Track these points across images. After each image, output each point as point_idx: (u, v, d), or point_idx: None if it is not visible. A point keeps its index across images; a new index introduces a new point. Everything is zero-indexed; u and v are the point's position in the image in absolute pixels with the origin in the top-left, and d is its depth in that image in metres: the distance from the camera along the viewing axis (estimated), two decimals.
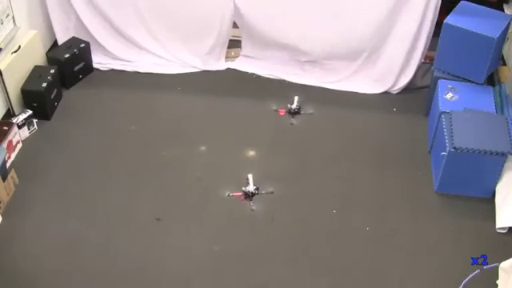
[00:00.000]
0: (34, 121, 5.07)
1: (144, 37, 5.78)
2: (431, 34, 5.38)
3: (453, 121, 4.56)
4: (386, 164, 4.88)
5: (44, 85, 5.08)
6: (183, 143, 5.00)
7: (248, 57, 5.93)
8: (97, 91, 5.55)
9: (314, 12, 5.41)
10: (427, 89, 5.44)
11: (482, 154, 4.37)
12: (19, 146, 4.90)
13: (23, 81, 5.14)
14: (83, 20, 5.64)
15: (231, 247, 4.19)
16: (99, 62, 5.82)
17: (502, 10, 5.86)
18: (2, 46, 4.88)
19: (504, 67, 5.44)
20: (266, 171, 4.75)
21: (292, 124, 5.23)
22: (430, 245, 4.25)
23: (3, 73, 4.88)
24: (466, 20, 4.91)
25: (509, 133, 4.47)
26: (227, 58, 5.92)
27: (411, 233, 4.34)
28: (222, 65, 5.87)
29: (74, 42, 5.62)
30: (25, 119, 4.97)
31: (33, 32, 5.34)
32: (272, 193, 4.53)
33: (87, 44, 5.63)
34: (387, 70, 5.55)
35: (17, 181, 4.58)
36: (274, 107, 5.27)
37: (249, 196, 4.48)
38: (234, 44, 5.90)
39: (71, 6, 5.56)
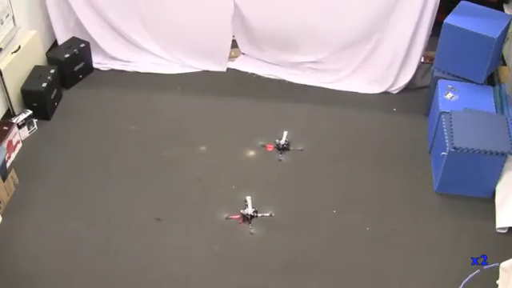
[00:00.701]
0: (34, 121, 5.07)
1: (144, 37, 5.78)
2: (430, 34, 5.38)
3: (453, 121, 4.56)
4: (386, 164, 4.88)
5: (44, 85, 5.08)
6: (183, 143, 5.00)
7: (248, 56, 5.93)
8: (97, 91, 5.55)
9: (314, 12, 5.41)
10: (427, 89, 5.44)
11: (482, 153, 4.37)
12: (19, 146, 4.90)
13: (23, 81, 5.14)
14: (82, 20, 5.64)
15: (231, 247, 4.19)
16: (99, 61, 5.82)
17: (502, 10, 5.86)
18: (2, 46, 4.88)
19: (504, 67, 5.44)
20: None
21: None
22: (430, 245, 4.25)
23: (3, 73, 4.88)
24: (466, 20, 4.91)
25: (509, 133, 4.47)
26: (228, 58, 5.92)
27: (411, 233, 4.34)
28: (222, 65, 5.87)
29: (73, 42, 5.62)
30: (25, 119, 4.97)
31: (33, 32, 5.34)
32: (271, 215, 4.43)
33: (87, 44, 5.63)
34: (387, 70, 5.55)
35: (17, 181, 4.58)
36: (262, 143, 5.05)
37: (247, 219, 4.38)
38: (234, 44, 5.90)
39: (70, 6, 5.56)
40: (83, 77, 5.67)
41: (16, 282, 3.92)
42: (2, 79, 4.91)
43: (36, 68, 5.27)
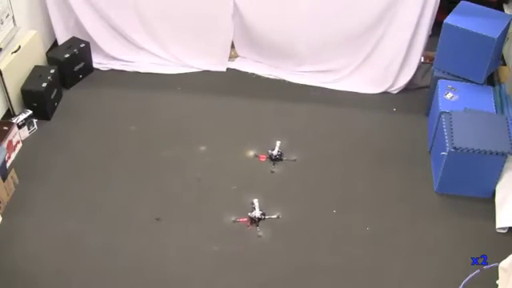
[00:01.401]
0: (34, 121, 5.07)
1: (144, 37, 5.78)
2: (430, 34, 5.38)
3: (453, 121, 4.56)
4: (386, 164, 4.88)
5: (44, 85, 5.08)
6: (183, 143, 5.00)
7: (245, 57, 5.93)
8: (97, 91, 5.55)
9: (314, 12, 5.41)
10: (427, 89, 5.44)
11: (482, 154, 4.37)
12: (19, 146, 4.89)
13: (23, 81, 5.13)
14: (82, 20, 5.64)
15: (231, 247, 4.19)
16: (99, 61, 5.82)
17: (502, 10, 5.86)
18: (2, 46, 4.88)
19: (504, 67, 5.44)
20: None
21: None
22: (429, 245, 4.25)
23: (3, 73, 4.88)
24: (466, 20, 4.91)
25: (509, 133, 4.47)
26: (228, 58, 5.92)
27: (411, 233, 4.34)
28: (222, 65, 5.87)
29: (73, 42, 5.61)
30: (25, 119, 4.97)
31: (33, 32, 5.33)
32: (278, 217, 4.42)
33: (87, 44, 5.63)
34: (387, 70, 5.55)
35: (17, 181, 4.58)
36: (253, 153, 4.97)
37: (255, 221, 4.37)
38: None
39: (70, 6, 5.55)
40: (83, 77, 5.67)
41: (16, 281, 3.92)
42: (2, 79, 4.91)
43: (36, 68, 5.26)
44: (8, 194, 4.44)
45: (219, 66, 5.86)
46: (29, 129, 5.03)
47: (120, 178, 4.68)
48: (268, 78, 5.78)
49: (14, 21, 5.06)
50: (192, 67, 5.84)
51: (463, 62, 5.00)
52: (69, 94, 5.49)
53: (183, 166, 4.80)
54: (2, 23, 4.88)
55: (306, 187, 4.66)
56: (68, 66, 5.46)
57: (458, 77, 5.08)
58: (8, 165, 4.64)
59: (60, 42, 5.73)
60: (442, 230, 4.37)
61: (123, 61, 5.85)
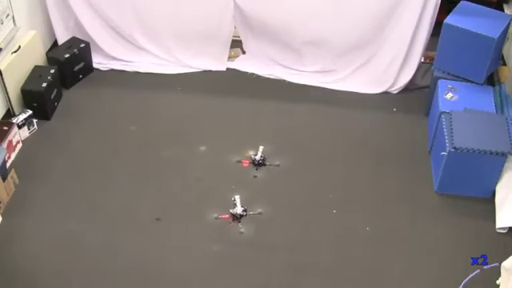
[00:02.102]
0: (34, 121, 5.07)
1: (143, 37, 5.78)
2: (430, 34, 5.37)
3: (453, 121, 4.56)
4: (386, 164, 4.88)
5: (44, 85, 5.08)
6: (183, 143, 5.00)
7: (248, 56, 5.93)
8: (97, 91, 5.55)
9: (316, 13, 5.41)
10: (427, 89, 5.44)
11: (482, 154, 4.37)
12: (19, 146, 4.90)
13: (23, 81, 5.14)
14: (82, 21, 5.64)
15: (231, 247, 4.19)
16: (99, 62, 5.82)
17: (502, 10, 5.86)
18: (2, 46, 4.88)
19: (504, 67, 5.43)
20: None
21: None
22: (429, 245, 4.25)
23: (3, 73, 4.88)
24: (466, 20, 4.91)
25: (509, 133, 4.47)
26: (227, 58, 5.92)
27: (411, 233, 4.34)
28: (222, 65, 5.87)
29: (73, 42, 5.61)
30: (25, 119, 4.97)
31: (33, 32, 5.34)
32: (260, 213, 4.43)
33: (87, 44, 5.63)
34: (387, 70, 5.55)
35: (17, 181, 4.58)
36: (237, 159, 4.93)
37: (237, 218, 4.37)
38: (234, 44, 5.90)
39: (70, 6, 5.55)
40: (83, 77, 5.67)
41: (16, 282, 3.92)
42: (2, 79, 4.91)
43: (36, 68, 5.27)
44: (8, 194, 4.44)
45: (219, 65, 5.86)
46: (29, 129, 5.03)
47: (120, 177, 4.68)
48: (268, 78, 5.78)
49: (14, 21, 5.06)
50: (192, 67, 5.85)
51: (463, 62, 4.99)
52: (69, 94, 5.49)
53: (183, 165, 4.80)
54: (2, 23, 4.88)
55: (306, 187, 4.66)
56: (68, 65, 5.46)
57: (458, 77, 5.08)
58: (8, 165, 4.64)
59: (60, 42, 5.73)
60: (441, 230, 4.36)
61: (123, 61, 5.85)
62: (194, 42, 5.77)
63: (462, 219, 4.45)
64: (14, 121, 4.89)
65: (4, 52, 4.96)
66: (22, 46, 5.12)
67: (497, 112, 4.83)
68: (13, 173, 4.54)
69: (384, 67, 5.55)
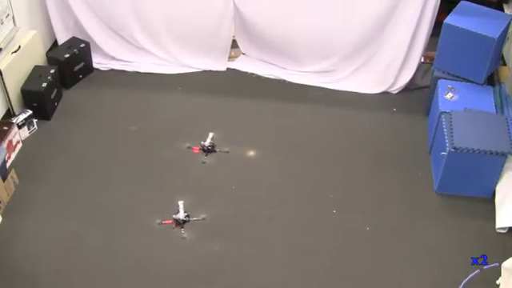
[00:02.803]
0: (34, 121, 5.07)
1: (143, 37, 5.77)
2: (430, 33, 5.38)
3: (453, 121, 4.56)
4: (386, 164, 4.88)
5: (44, 85, 5.08)
6: (183, 143, 5.00)
7: (248, 56, 5.93)
8: (97, 91, 5.55)
9: (314, 11, 5.41)
10: (427, 89, 5.44)
11: (482, 154, 4.37)
12: (19, 146, 4.90)
13: (23, 81, 5.14)
14: (81, 21, 5.64)
15: (231, 247, 4.19)
16: (99, 61, 5.82)
17: (502, 10, 5.86)
18: (2, 46, 4.88)
19: (504, 67, 5.43)
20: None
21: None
22: (429, 245, 4.25)
23: (3, 73, 4.88)
24: (466, 20, 4.91)
25: (509, 133, 4.47)
26: (227, 58, 5.92)
27: (411, 233, 4.34)
28: (222, 65, 5.87)
29: (73, 42, 5.61)
30: (25, 119, 4.97)
31: (33, 32, 5.34)
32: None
33: (87, 44, 5.63)
34: (387, 70, 5.55)
35: (17, 181, 4.58)
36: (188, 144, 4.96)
37: (180, 224, 4.32)
38: (234, 44, 5.90)
39: (69, 6, 5.55)
40: (83, 77, 5.67)
41: (16, 282, 3.92)
42: (2, 79, 4.91)
43: (36, 68, 5.27)
44: (8, 194, 4.44)
45: (219, 65, 5.86)
46: (29, 129, 5.03)
47: (120, 178, 4.68)
48: (268, 78, 5.78)
49: (14, 21, 5.06)
50: (192, 67, 5.85)
51: (463, 62, 4.99)
52: (69, 94, 5.49)
53: (183, 165, 4.80)
54: (2, 23, 4.88)
55: (306, 187, 4.66)
56: (68, 65, 5.46)
57: (458, 77, 5.08)
58: (8, 165, 4.64)
59: (60, 42, 5.73)
60: (441, 230, 4.36)
61: (123, 61, 5.85)
62: (194, 42, 5.77)
63: (462, 219, 4.45)
64: (14, 121, 4.89)
65: (4, 52, 4.96)
66: (22, 46, 5.12)
67: (497, 112, 4.83)
68: (13, 173, 4.54)
69: (384, 67, 5.55)
